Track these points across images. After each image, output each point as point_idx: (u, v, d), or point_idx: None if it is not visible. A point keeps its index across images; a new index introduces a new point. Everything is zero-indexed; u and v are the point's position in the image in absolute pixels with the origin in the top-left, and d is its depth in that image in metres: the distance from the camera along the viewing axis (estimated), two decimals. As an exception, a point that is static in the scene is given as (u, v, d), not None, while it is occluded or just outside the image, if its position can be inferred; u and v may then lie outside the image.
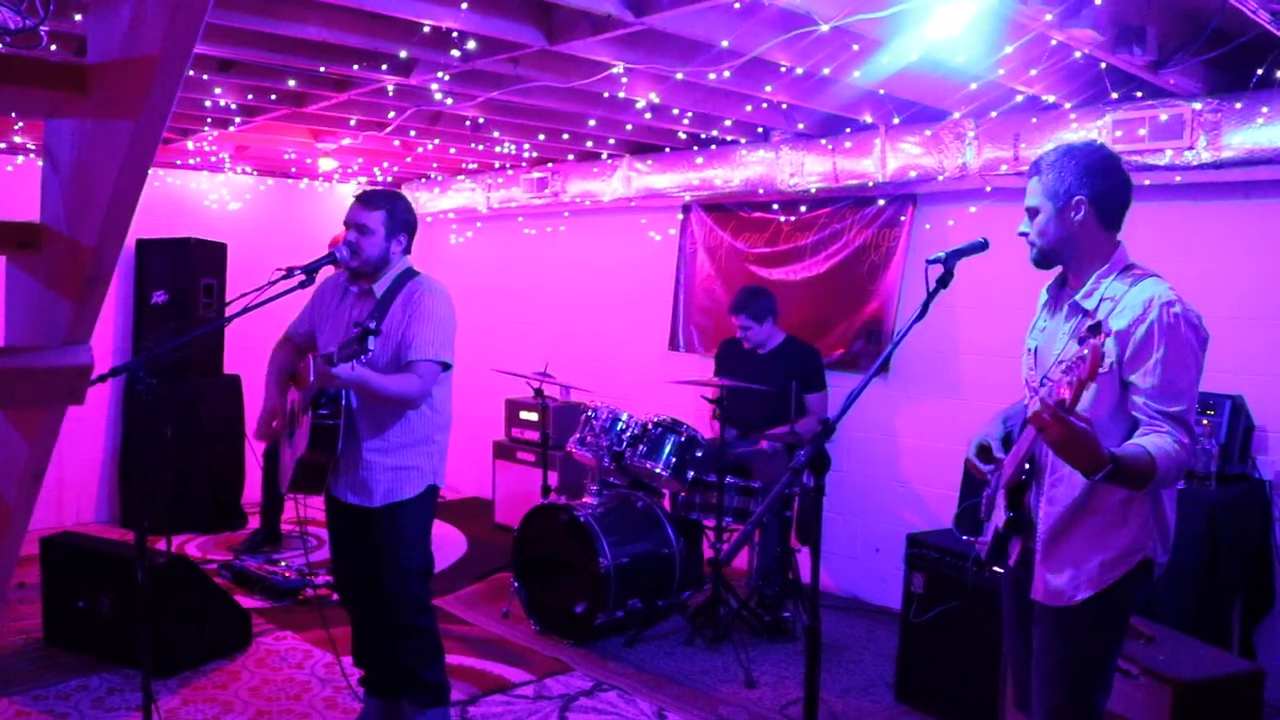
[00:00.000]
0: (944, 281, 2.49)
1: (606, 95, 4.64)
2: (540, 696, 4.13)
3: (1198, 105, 3.86)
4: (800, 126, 5.14)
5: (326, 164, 6.55)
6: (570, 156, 6.48)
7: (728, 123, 5.12)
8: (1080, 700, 2.38)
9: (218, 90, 4.61)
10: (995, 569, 2.65)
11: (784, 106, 4.79)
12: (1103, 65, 3.70)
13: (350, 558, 3.50)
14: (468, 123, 5.35)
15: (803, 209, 5.71)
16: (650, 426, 4.92)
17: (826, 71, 3.84)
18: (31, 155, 6.20)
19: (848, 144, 5.03)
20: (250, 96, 4.77)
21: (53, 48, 3.63)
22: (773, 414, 4.99)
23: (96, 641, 4.29)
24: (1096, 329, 2.00)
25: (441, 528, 6.62)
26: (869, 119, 4.75)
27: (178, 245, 6.55)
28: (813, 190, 5.29)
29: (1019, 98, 4.21)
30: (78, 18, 3.15)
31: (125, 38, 1.31)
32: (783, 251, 5.85)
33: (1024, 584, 2.49)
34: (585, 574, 4.64)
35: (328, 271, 3.40)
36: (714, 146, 5.70)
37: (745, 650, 4.56)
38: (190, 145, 6.12)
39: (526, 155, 6.48)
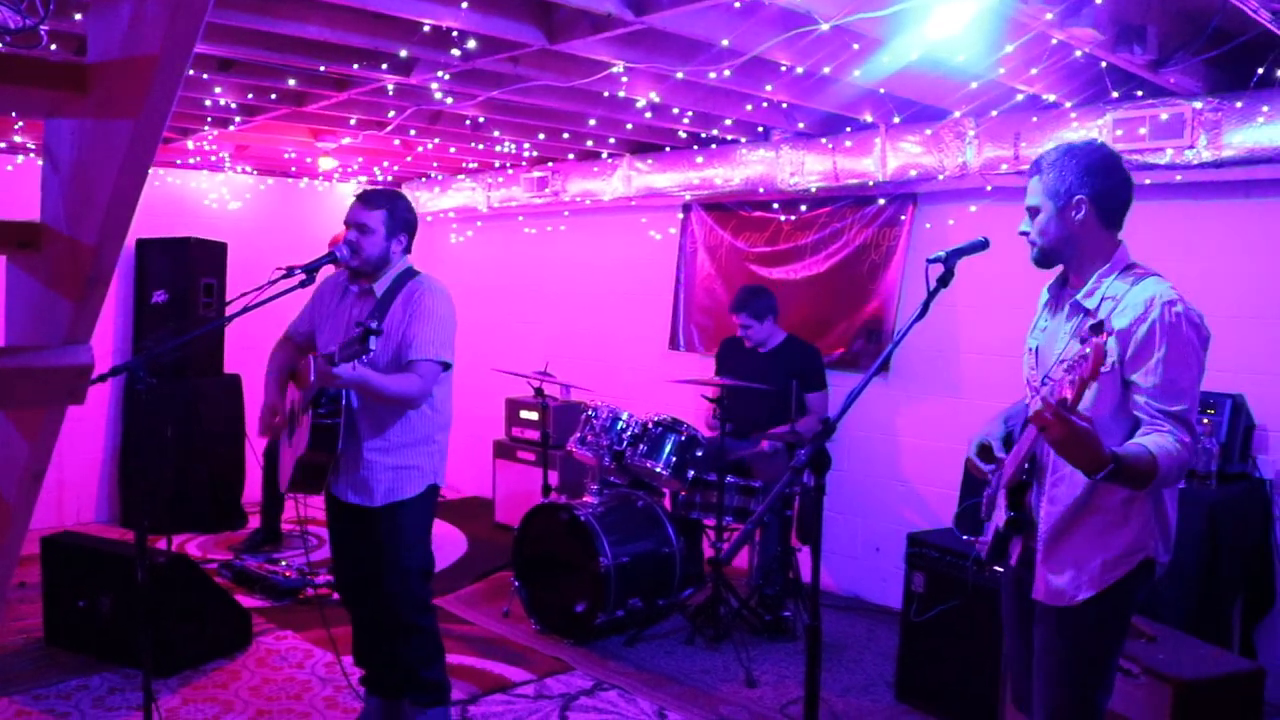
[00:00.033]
0: (944, 281, 2.49)
1: (607, 94, 4.64)
2: (541, 696, 4.13)
3: (1198, 104, 3.86)
4: (800, 126, 5.14)
5: (326, 163, 6.55)
6: (570, 156, 6.47)
7: (728, 122, 5.11)
8: (1082, 700, 2.38)
9: (218, 89, 4.61)
10: (996, 569, 2.65)
11: (784, 106, 4.79)
12: (1103, 64, 3.69)
13: (351, 557, 3.50)
14: (468, 122, 5.35)
15: (803, 208, 5.71)
16: (651, 426, 4.92)
17: (827, 70, 3.84)
18: (31, 155, 6.20)
19: (848, 143, 5.03)
20: (250, 96, 4.77)
21: (53, 47, 3.63)
22: (773, 413, 4.99)
23: (97, 641, 4.29)
24: (1099, 328, 2.00)
25: (442, 527, 6.62)
26: (869, 118, 4.75)
27: (178, 245, 6.55)
28: (813, 189, 5.29)
29: (1019, 97, 4.21)
30: (78, 17, 3.15)
31: (125, 37, 1.31)
32: (783, 251, 5.85)
33: (1025, 584, 2.49)
34: (586, 573, 4.64)
35: (328, 271, 3.40)
36: (714, 146, 5.69)
37: (746, 649, 4.56)
38: (190, 144, 6.11)
39: (527, 154, 6.48)
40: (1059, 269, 2.53)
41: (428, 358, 3.27)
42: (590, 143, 5.96)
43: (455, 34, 3.72)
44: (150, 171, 1.37)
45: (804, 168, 5.22)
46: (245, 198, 7.41)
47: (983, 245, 2.55)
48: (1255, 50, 3.54)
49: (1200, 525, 3.68)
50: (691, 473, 4.87)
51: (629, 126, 5.31)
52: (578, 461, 5.38)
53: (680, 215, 6.43)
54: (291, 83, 4.49)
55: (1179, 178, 4.09)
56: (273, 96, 4.80)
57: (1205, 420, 3.96)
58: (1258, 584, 4.04)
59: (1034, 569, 2.44)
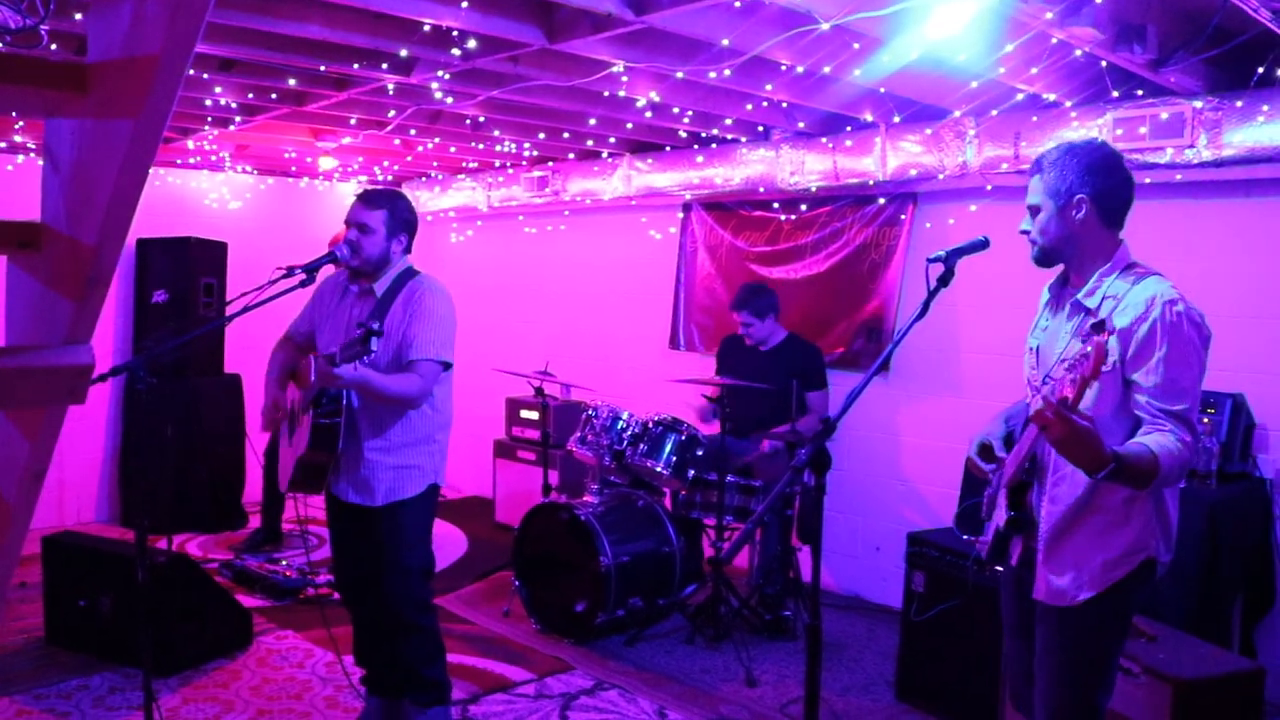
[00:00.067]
0: (945, 280, 2.49)
1: (607, 94, 4.64)
2: (541, 695, 4.13)
3: (1198, 104, 3.86)
4: (801, 125, 5.14)
5: (327, 163, 6.55)
6: (571, 155, 6.47)
7: (728, 121, 5.11)
8: (1083, 700, 2.38)
9: (218, 89, 4.61)
10: (996, 568, 2.65)
11: (784, 105, 4.79)
12: (1103, 63, 3.69)
13: (351, 556, 3.50)
14: (468, 121, 5.35)
15: (803, 208, 5.71)
16: (651, 425, 4.92)
17: (827, 70, 3.84)
18: (32, 154, 6.20)
19: (848, 142, 5.03)
20: (250, 95, 4.77)
21: (53, 47, 3.63)
22: (774, 412, 4.99)
23: (97, 640, 4.30)
24: (1100, 326, 2.00)
25: (442, 527, 6.62)
26: (869, 117, 4.75)
27: (178, 244, 6.55)
28: (813, 189, 5.29)
29: (1019, 96, 4.21)
30: (78, 17, 3.15)
31: (126, 37, 1.31)
32: (783, 250, 5.85)
33: (1025, 584, 2.49)
34: (586, 573, 4.64)
35: (328, 271, 3.40)
36: (714, 145, 5.69)
37: (746, 649, 4.56)
38: (190, 144, 6.11)
39: (527, 154, 6.48)
40: (1060, 268, 2.53)
41: (428, 357, 3.27)
42: (590, 142, 5.96)
43: (455, 34, 3.72)
44: (150, 171, 1.37)
45: (804, 167, 5.22)
46: (245, 197, 7.41)
47: (983, 245, 2.54)
48: (1255, 49, 3.54)
49: (1200, 525, 3.68)
50: (692, 472, 4.87)
51: (629, 126, 5.31)
52: (578, 461, 5.38)
53: (680, 215, 6.43)
54: (292, 82, 4.49)
55: (1179, 177, 4.09)
56: (273, 96, 4.80)
57: (1205, 420, 3.96)
58: (1258, 583, 4.04)
59: (1035, 569, 2.44)
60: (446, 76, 4.28)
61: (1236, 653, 3.76)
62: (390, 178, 7.74)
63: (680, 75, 4.03)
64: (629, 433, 4.95)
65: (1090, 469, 2.11)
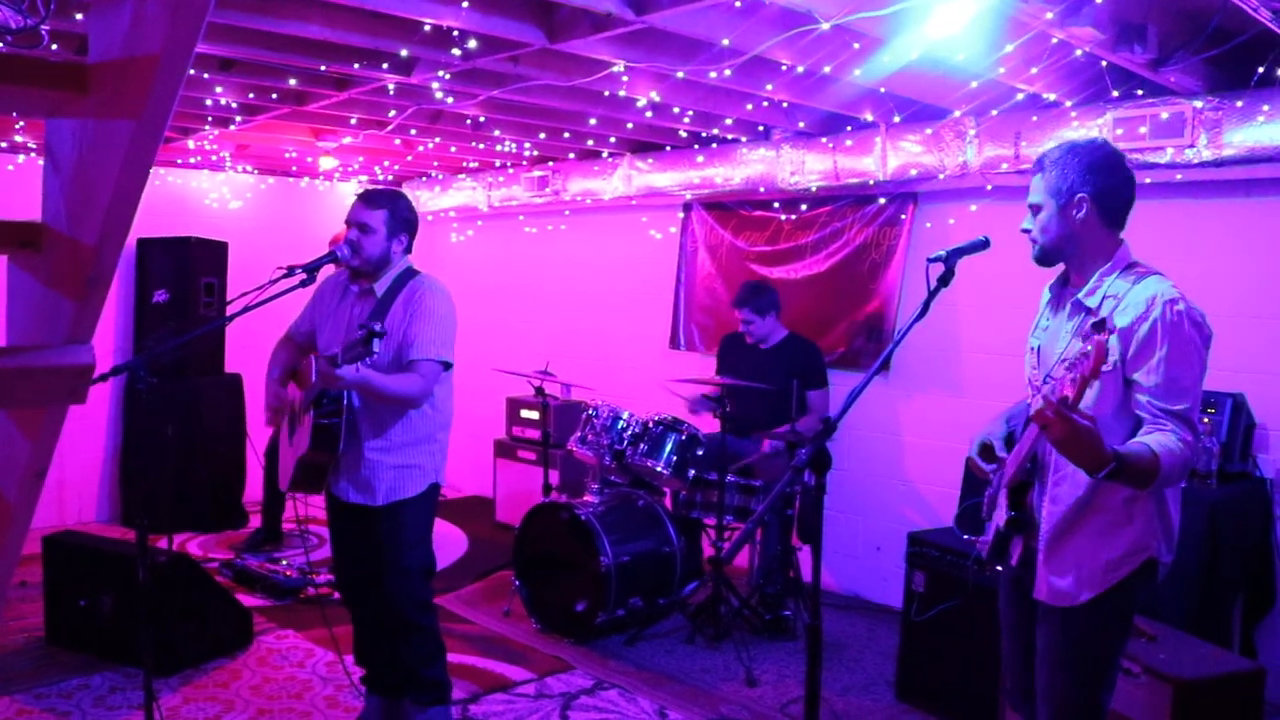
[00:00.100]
0: (945, 280, 2.49)
1: (607, 94, 4.64)
2: (541, 695, 4.13)
3: (1199, 103, 3.86)
4: (801, 125, 5.14)
5: (327, 162, 6.55)
6: (571, 155, 6.48)
7: (728, 121, 5.11)
8: (1085, 700, 2.38)
9: (219, 89, 4.61)
10: (996, 568, 2.65)
11: (785, 105, 4.79)
12: (1103, 63, 3.69)
13: (351, 556, 3.50)
14: (468, 121, 5.35)
15: (803, 207, 5.71)
16: (651, 425, 4.92)
17: (827, 70, 3.84)
18: (32, 154, 6.20)
19: (848, 142, 5.03)
20: (251, 95, 4.77)
21: (54, 47, 3.63)
22: (774, 411, 4.99)
23: (98, 640, 4.30)
24: (1101, 326, 2.00)
25: (443, 526, 6.62)
26: (870, 117, 4.75)
27: (179, 244, 6.56)
28: (813, 189, 5.29)
29: (1020, 96, 4.21)
30: (79, 17, 3.15)
31: (126, 37, 1.31)
32: (783, 250, 5.85)
33: (1026, 584, 2.49)
34: (586, 572, 4.64)
35: (329, 270, 3.40)
36: (715, 145, 5.69)
37: (746, 649, 4.56)
38: (191, 144, 6.12)
39: (527, 154, 6.48)
40: (1060, 268, 2.53)
41: (429, 357, 3.28)
42: (591, 142, 5.96)
43: (456, 33, 3.72)
44: (151, 171, 1.37)
45: (804, 167, 5.22)
46: (246, 197, 7.42)
47: (983, 244, 2.54)
48: (1255, 49, 3.54)
49: (1201, 524, 3.68)
50: (692, 472, 4.87)
51: (629, 126, 5.31)
52: (578, 461, 5.38)
53: (681, 214, 6.43)
54: (292, 82, 4.50)
55: (1179, 177, 4.10)
56: (273, 96, 4.80)
57: (1206, 420, 3.96)
58: (1258, 583, 4.04)
59: (1035, 569, 2.44)
60: (447, 76, 4.28)
61: (1237, 653, 3.76)
62: (391, 177, 7.74)
63: (680, 75, 4.03)
64: (629, 432, 4.95)
65: (1091, 468, 2.10)
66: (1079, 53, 3.49)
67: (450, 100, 4.73)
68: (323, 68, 4.14)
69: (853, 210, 5.53)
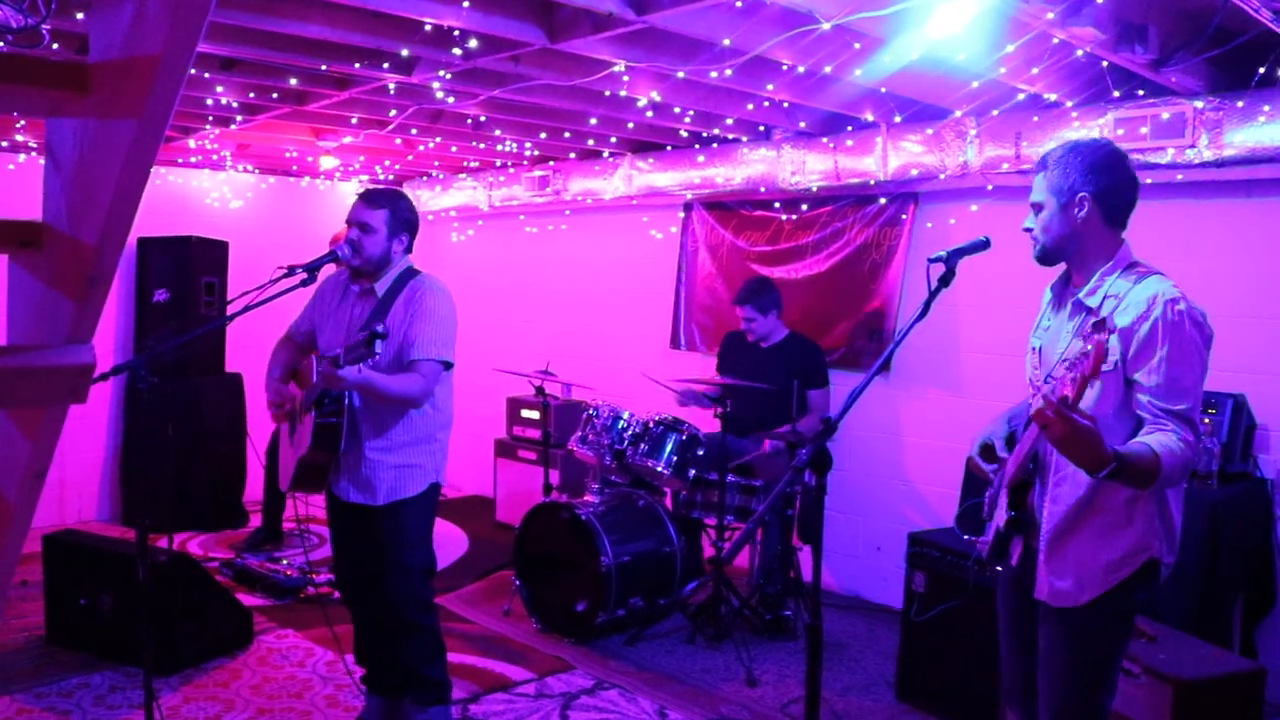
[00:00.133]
0: (945, 280, 2.49)
1: (608, 94, 4.64)
2: (541, 695, 4.13)
3: (1199, 104, 3.86)
4: (802, 125, 5.14)
5: (328, 162, 6.55)
6: (572, 155, 6.48)
7: (729, 121, 5.11)
8: (1086, 700, 2.38)
9: (219, 88, 4.61)
10: (996, 568, 2.65)
11: (785, 105, 4.79)
12: (1104, 64, 3.69)
13: (352, 556, 3.50)
14: (469, 121, 5.35)
15: (804, 207, 5.71)
16: (652, 425, 4.92)
17: (828, 70, 3.84)
18: (33, 154, 6.20)
19: (849, 142, 5.03)
20: (252, 95, 4.77)
21: (55, 46, 3.63)
22: (775, 410, 4.98)
23: (98, 639, 4.30)
24: (1101, 325, 2.00)
25: (443, 526, 6.62)
26: (870, 117, 4.75)
27: (179, 243, 6.56)
28: (814, 189, 5.29)
29: (1020, 96, 4.21)
30: (80, 16, 3.15)
31: (127, 36, 1.31)
32: (784, 250, 5.85)
33: (1026, 584, 2.49)
34: (587, 572, 4.64)
35: (329, 270, 3.40)
36: (715, 145, 5.69)
37: (746, 649, 4.56)
38: (192, 143, 6.12)
39: (528, 153, 6.48)
40: (1062, 268, 2.53)
41: (429, 357, 3.28)
42: (591, 142, 5.96)
43: (456, 33, 3.72)
44: (151, 170, 1.37)
45: (805, 167, 5.22)
46: (247, 196, 7.42)
47: (984, 245, 2.54)
48: (1256, 50, 3.54)
49: (1201, 525, 3.67)
50: (693, 472, 4.87)
51: (630, 125, 5.31)
52: (579, 460, 5.38)
53: (681, 214, 6.43)
54: (293, 82, 4.50)
55: (1180, 177, 4.09)
56: (274, 95, 4.81)
57: (1206, 420, 3.96)
58: (1259, 584, 4.04)
59: (1035, 569, 2.44)
60: (448, 76, 4.28)
61: (1237, 653, 3.76)
62: (391, 177, 7.74)
63: (681, 75, 4.03)
64: (630, 432, 4.95)
65: (1091, 468, 2.10)
66: (1080, 53, 3.49)
67: (451, 100, 4.73)
68: (323, 67, 4.14)
69: (853, 210, 5.53)
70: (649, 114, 4.92)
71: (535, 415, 6.54)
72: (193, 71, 4.06)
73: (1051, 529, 2.40)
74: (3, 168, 6.18)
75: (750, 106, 4.78)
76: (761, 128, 5.38)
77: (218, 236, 6.75)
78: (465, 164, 7.11)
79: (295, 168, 7.24)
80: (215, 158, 6.75)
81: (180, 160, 6.83)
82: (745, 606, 4.90)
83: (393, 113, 5.12)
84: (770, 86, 4.26)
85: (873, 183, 5.04)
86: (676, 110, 4.88)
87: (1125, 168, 2.42)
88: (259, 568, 5.38)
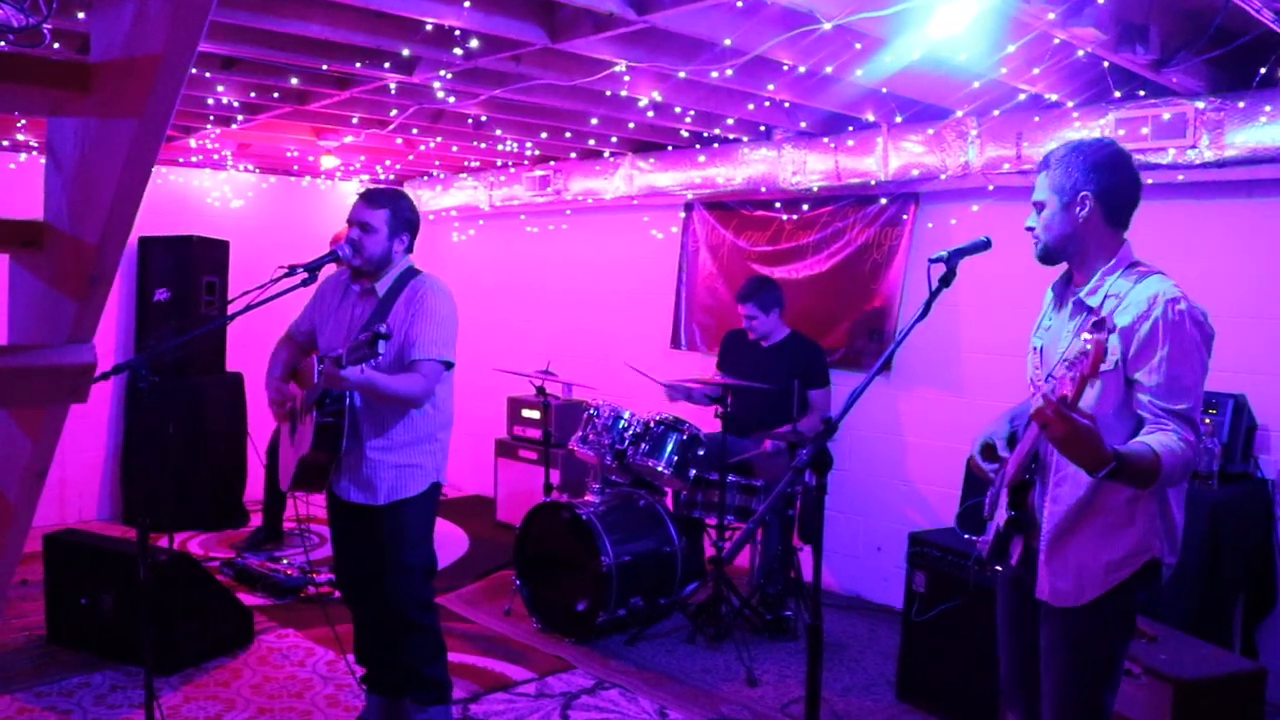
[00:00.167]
0: (946, 280, 2.49)
1: (609, 93, 4.64)
2: (542, 694, 4.13)
3: (1200, 104, 3.86)
4: (802, 125, 5.14)
5: (329, 161, 6.55)
6: (572, 154, 6.48)
7: (730, 121, 5.12)
8: (1088, 701, 2.37)
9: (220, 88, 4.61)
10: (996, 568, 2.65)
11: (786, 105, 4.79)
12: (1105, 64, 3.69)
13: (352, 555, 3.50)
14: (470, 121, 5.36)
15: (805, 207, 5.71)
16: (652, 425, 4.92)
17: (829, 70, 3.84)
18: (34, 153, 6.21)
19: (850, 142, 5.03)
20: (253, 94, 4.77)
21: (56, 45, 3.64)
22: (775, 410, 4.98)
23: (99, 639, 4.30)
24: (1101, 324, 2.00)
25: (444, 525, 6.62)
26: (871, 117, 4.75)
27: (180, 243, 6.56)
28: (815, 189, 5.29)
29: (1021, 96, 4.21)
30: (81, 15, 3.16)
31: (128, 36, 1.31)
32: (785, 250, 5.85)
33: (1026, 584, 2.49)
34: (587, 572, 4.64)
35: (330, 270, 3.40)
36: (716, 145, 5.70)
37: (747, 649, 4.56)
38: (193, 143, 6.12)
39: (529, 153, 6.48)
40: (1063, 267, 2.53)
41: (431, 357, 3.28)
42: (592, 142, 5.96)
43: (458, 33, 3.73)
44: (153, 170, 1.37)
45: (806, 167, 5.22)
46: (247, 196, 7.42)
47: (985, 245, 2.54)
48: (1257, 50, 3.54)
49: (1202, 525, 3.67)
50: (693, 472, 4.87)
51: (631, 125, 5.31)
52: (579, 460, 5.38)
53: (682, 214, 6.43)
54: (294, 81, 4.50)
55: (1181, 177, 4.09)
56: (275, 95, 4.81)
57: (1207, 420, 3.95)
58: (1259, 584, 4.03)
59: (1036, 569, 2.44)
60: (449, 76, 4.28)
61: (1238, 653, 3.76)
62: (392, 176, 7.75)
63: (682, 75, 4.03)
64: (630, 432, 4.95)
65: (1091, 468, 2.10)
66: (1081, 53, 3.49)
67: (452, 99, 4.73)
68: (324, 67, 4.15)
69: (854, 210, 5.53)
70: (650, 114, 4.92)
71: (536, 415, 6.54)
72: (194, 71, 4.06)
73: (1052, 529, 2.40)
74: (4, 167, 6.19)
75: (751, 106, 4.78)
76: (762, 128, 5.38)
77: (219, 236, 6.75)
78: (466, 164, 7.11)
79: (296, 167, 7.24)
80: (216, 157, 6.75)
81: (181, 160, 6.84)
82: (746, 606, 4.90)
83: (394, 112, 5.12)
84: (771, 86, 4.26)
85: (874, 183, 5.04)
86: (677, 110, 4.88)
87: (1128, 167, 2.41)
88: (259, 567, 5.38)
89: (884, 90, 4.24)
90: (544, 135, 5.73)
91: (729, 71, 3.87)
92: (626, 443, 4.93)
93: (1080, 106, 4.17)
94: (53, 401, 1.53)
